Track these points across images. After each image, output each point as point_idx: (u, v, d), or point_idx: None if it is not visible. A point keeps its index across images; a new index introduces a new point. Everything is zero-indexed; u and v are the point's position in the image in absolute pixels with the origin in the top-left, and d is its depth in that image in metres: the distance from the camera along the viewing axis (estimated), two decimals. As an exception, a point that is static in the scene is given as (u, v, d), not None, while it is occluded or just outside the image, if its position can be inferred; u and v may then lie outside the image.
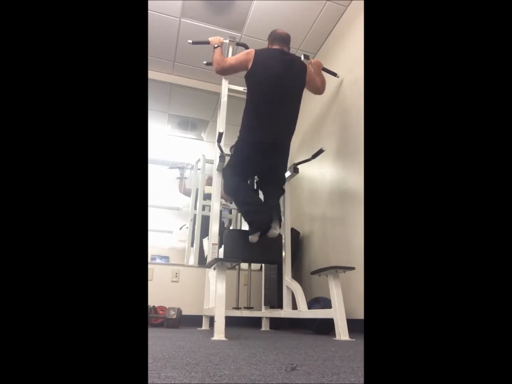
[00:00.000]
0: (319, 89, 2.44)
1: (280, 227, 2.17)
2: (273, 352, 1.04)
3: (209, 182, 3.60)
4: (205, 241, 3.27)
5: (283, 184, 2.33)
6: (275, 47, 2.22)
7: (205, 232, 3.07)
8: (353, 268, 1.78)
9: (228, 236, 2.40)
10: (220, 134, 2.22)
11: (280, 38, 2.24)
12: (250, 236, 2.09)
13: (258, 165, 2.19)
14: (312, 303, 2.16)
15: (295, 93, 2.19)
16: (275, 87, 2.09)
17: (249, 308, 2.61)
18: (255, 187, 2.40)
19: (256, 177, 2.37)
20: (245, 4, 2.82)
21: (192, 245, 3.38)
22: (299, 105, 2.22)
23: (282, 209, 2.34)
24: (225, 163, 2.44)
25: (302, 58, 2.60)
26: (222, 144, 2.27)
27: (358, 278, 2.06)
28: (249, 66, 2.13)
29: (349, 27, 2.73)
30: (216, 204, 2.39)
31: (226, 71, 2.25)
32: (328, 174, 2.72)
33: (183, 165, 4.57)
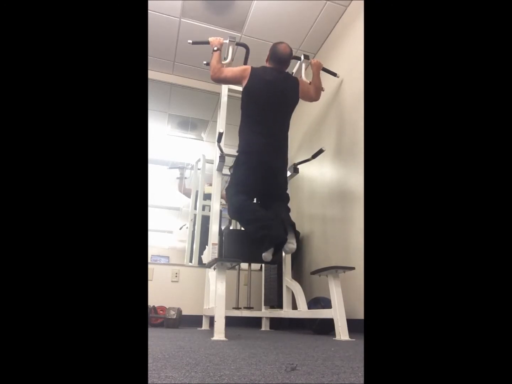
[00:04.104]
0: (313, 98, 2.44)
1: (296, 241, 1.97)
2: (273, 352, 1.04)
3: (209, 182, 3.60)
4: (204, 256, 3.25)
5: (288, 201, 2.24)
6: (272, 66, 2.22)
7: (205, 233, 3.06)
8: (353, 268, 1.78)
9: (228, 236, 2.40)
10: (220, 134, 2.22)
11: (279, 60, 2.21)
12: (263, 254, 1.88)
13: (262, 176, 2.08)
14: (312, 303, 2.16)
15: (288, 108, 2.22)
16: (272, 101, 2.12)
17: (249, 308, 2.61)
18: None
19: (259, 199, 2.24)
20: (245, 4, 2.82)
21: (190, 260, 3.34)
22: (290, 120, 2.25)
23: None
24: (226, 163, 2.44)
25: (302, 58, 2.61)
26: (222, 144, 2.27)
27: (358, 278, 2.06)
28: (244, 83, 2.15)
29: (349, 27, 2.73)
30: (216, 204, 2.39)
31: (220, 81, 2.28)
32: (328, 174, 2.71)
33: (183, 165, 4.57)
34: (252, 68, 2.18)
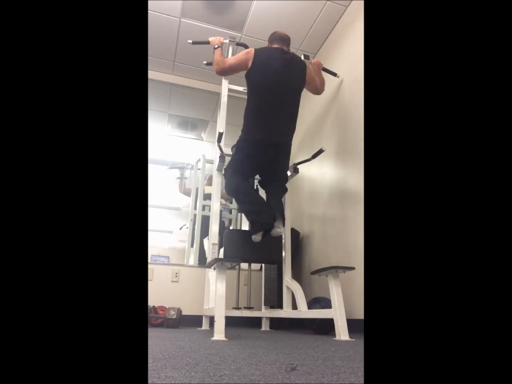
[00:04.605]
0: (318, 89, 2.44)
1: (283, 225, 2.14)
2: (273, 352, 1.04)
3: (209, 182, 3.59)
4: (205, 241, 3.26)
5: (285, 182, 2.29)
6: (275, 46, 2.22)
7: (205, 232, 3.06)
8: (353, 268, 1.78)
9: (228, 236, 2.40)
10: (220, 134, 2.22)
11: (280, 38, 2.24)
12: (253, 236, 2.06)
13: (260, 164, 2.16)
14: (312, 303, 2.16)
15: (295, 91, 2.19)
16: (276, 85, 2.09)
17: (249, 308, 2.61)
18: (256, 187, 2.38)
19: (258, 176, 2.33)
20: (245, 4, 2.82)
21: (192, 245, 3.37)
22: (299, 103, 2.22)
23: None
24: (226, 163, 2.44)
25: (302, 58, 2.60)
26: (222, 144, 2.27)
27: (358, 278, 2.06)
28: (249, 65, 2.12)
29: (349, 27, 2.73)
30: (216, 204, 2.39)
31: (226, 71, 2.25)
32: (328, 174, 2.71)
33: (183, 165, 4.57)
34: (255, 49, 2.16)
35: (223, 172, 2.38)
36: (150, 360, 0.81)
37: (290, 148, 2.23)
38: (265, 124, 2.09)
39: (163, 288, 2.95)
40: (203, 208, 3.46)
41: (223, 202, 3.41)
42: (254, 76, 2.12)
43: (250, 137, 2.13)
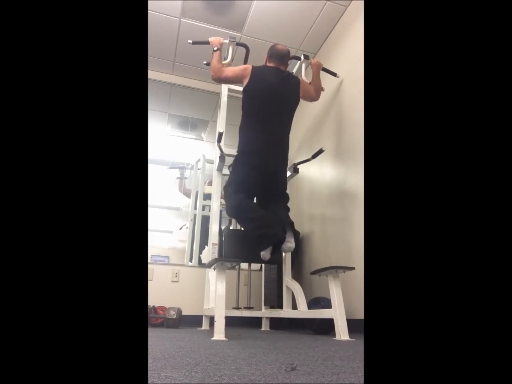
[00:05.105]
0: (313, 98, 2.45)
1: (295, 240, 1.97)
2: (273, 352, 1.04)
3: (209, 183, 3.59)
4: (202, 256, 3.25)
5: (288, 201, 2.22)
6: (272, 64, 2.24)
7: (204, 237, 3.05)
8: (353, 268, 1.78)
9: (228, 236, 2.40)
10: (220, 134, 2.22)
11: (278, 56, 2.24)
12: (262, 253, 1.89)
13: (262, 179, 2.06)
14: (312, 303, 2.16)
15: (290, 104, 2.22)
16: (274, 95, 2.11)
17: (249, 308, 2.61)
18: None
19: (258, 199, 2.22)
20: (245, 4, 2.82)
21: (191, 260, 3.35)
22: (291, 120, 2.24)
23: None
24: (226, 163, 2.44)
25: (302, 58, 2.61)
26: (222, 144, 2.27)
27: (358, 278, 2.06)
28: (245, 82, 2.15)
29: (349, 27, 2.73)
30: (216, 204, 2.39)
31: (221, 81, 2.28)
32: (328, 174, 2.71)
33: (183, 165, 4.57)
34: (253, 67, 2.18)
35: (222, 191, 2.28)
36: (150, 360, 0.81)
37: (287, 161, 2.21)
38: (264, 132, 2.08)
39: (163, 288, 2.95)
40: (203, 208, 3.46)
41: (223, 202, 3.40)
42: (252, 88, 2.13)
43: (250, 148, 2.09)
